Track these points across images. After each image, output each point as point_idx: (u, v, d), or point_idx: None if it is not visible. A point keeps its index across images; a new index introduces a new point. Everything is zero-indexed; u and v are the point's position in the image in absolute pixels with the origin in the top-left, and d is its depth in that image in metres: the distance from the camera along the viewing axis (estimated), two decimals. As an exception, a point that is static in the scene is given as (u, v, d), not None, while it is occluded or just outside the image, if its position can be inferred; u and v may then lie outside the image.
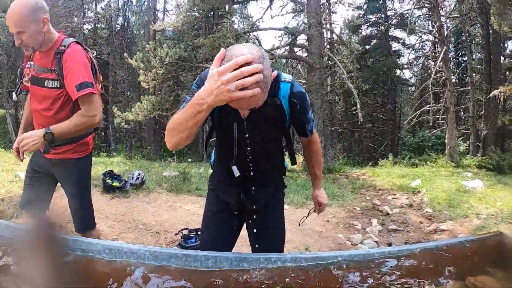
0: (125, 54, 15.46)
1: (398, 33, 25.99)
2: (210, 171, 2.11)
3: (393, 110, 25.67)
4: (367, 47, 24.50)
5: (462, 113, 21.74)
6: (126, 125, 16.80)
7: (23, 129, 2.59)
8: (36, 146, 2.08)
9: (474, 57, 21.66)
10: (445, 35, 16.31)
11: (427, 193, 8.62)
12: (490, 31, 16.80)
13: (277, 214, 2.03)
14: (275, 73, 1.39)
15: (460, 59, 23.89)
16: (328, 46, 19.61)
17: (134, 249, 1.36)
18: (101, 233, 4.40)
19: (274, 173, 1.98)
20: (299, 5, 15.97)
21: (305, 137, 1.93)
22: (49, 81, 2.22)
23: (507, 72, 18.62)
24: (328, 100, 19.83)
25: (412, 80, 28.67)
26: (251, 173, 1.82)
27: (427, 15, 21.68)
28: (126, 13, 28.61)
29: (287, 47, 15.25)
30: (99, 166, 8.13)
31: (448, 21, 20.60)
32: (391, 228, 6.43)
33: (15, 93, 2.46)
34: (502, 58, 18.69)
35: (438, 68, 15.82)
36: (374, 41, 25.63)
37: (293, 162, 2.02)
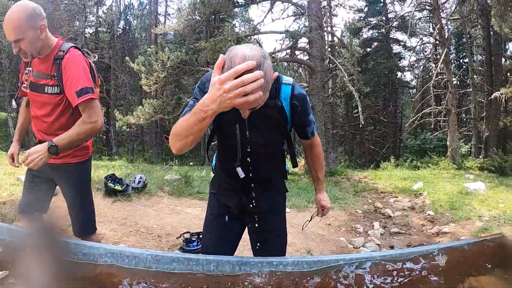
0: (127, 58, 15.49)
1: (399, 35, 26.04)
2: (212, 174, 2.12)
3: (395, 113, 25.64)
4: (368, 49, 24.49)
5: (463, 115, 21.70)
6: (128, 129, 16.84)
7: (19, 134, 2.58)
8: (43, 161, 2.05)
9: (475, 59, 21.64)
10: (446, 37, 16.30)
11: (429, 196, 8.60)
12: (491, 33, 16.79)
13: (279, 217, 2.03)
14: (276, 74, 1.40)
15: (461, 61, 23.89)
16: (329, 49, 19.62)
17: (136, 253, 1.36)
18: (102, 237, 4.40)
19: (276, 177, 1.98)
20: (300, 9, 15.98)
21: (306, 140, 1.94)
22: (49, 87, 2.21)
23: (508, 74, 18.63)
24: (330, 103, 19.84)
25: (414, 83, 28.63)
26: (253, 176, 1.82)
27: (428, 17, 21.65)
28: (128, 17, 28.73)
29: (288, 50, 15.22)
30: (101, 170, 8.13)
31: (449, 23, 20.63)
32: (393, 231, 6.42)
33: (14, 100, 2.46)
34: (503, 59, 18.69)
35: (439, 70, 15.80)
36: (375, 43, 25.62)
37: (294, 164, 2.03)
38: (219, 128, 1.76)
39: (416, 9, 17.70)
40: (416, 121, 17.64)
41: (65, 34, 19.84)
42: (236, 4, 14.94)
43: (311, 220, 2.28)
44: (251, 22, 26.57)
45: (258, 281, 1.30)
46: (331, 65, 17.12)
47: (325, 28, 17.34)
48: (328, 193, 2.23)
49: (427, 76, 23.88)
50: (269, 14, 16.07)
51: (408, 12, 19.53)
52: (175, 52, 13.67)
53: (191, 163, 15.97)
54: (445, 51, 15.09)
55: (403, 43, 25.68)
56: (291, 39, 14.61)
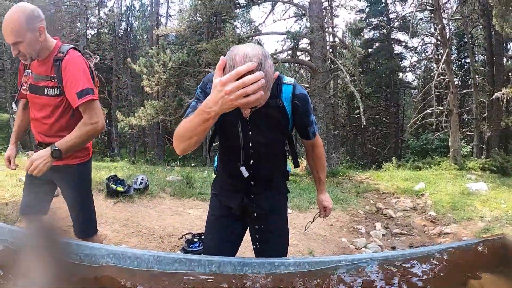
0: (128, 59, 15.54)
1: (400, 36, 25.97)
2: (214, 175, 2.12)
3: (396, 113, 25.63)
4: (370, 50, 24.46)
5: (465, 115, 21.69)
6: (130, 130, 16.85)
7: (15, 137, 2.57)
8: (47, 166, 2.04)
9: (476, 59, 21.62)
10: (447, 37, 16.31)
11: (431, 196, 8.59)
12: (493, 33, 16.79)
13: (280, 218, 2.03)
14: (277, 73, 1.41)
15: (463, 61, 23.84)
16: (331, 50, 19.62)
17: (138, 254, 1.36)
18: (104, 238, 4.41)
19: (277, 177, 1.98)
20: (301, 9, 15.98)
21: (308, 140, 1.94)
22: (49, 88, 2.20)
23: (510, 74, 18.60)
24: (331, 103, 19.82)
25: (415, 83, 28.61)
26: (254, 176, 1.82)
27: (429, 18, 21.70)
28: (129, 18, 28.77)
29: (290, 51, 15.23)
30: (102, 171, 8.15)
31: (450, 23, 20.61)
32: (395, 231, 6.41)
33: (14, 102, 2.46)
34: (505, 59, 18.66)
35: (440, 71, 15.80)
36: (377, 44, 25.61)
37: (296, 164, 2.03)
38: (221, 129, 1.76)
39: (417, 10, 17.73)
40: (417, 122, 17.64)
41: (67, 35, 19.91)
42: (238, 5, 14.95)
43: (313, 221, 2.28)
44: (253, 23, 26.54)
45: (259, 282, 1.30)
46: (332, 65, 17.10)
47: (327, 29, 17.34)
48: (330, 194, 2.23)
49: (428, 77, 23.85)
50: (271, 15, 16.08)
51: (409, 13, 19.56)
52: (177, 53, 13.70)
53: (193, 164, 15.99)
54: (446, 52, 15.08)
55: (404, 44, 25.67)
56: (292, 40, 14.63)
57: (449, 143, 15.33)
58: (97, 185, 6.33)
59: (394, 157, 17.74)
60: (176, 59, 13.31)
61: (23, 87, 2.31)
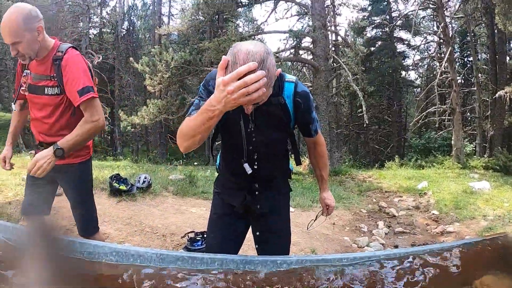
0: (131, 59, 15.52)
1: (403, 34, 25.93)
2: (216, 174, 2.12)
3: (399, 112, 25.57)
4: (372, 49, 24.46)
5: (468, 114, 21.63)
6: (132, 129, 16.89)
7: (12, 138, 2.57)
8: (51, 166, 2.06)
9: (479, 58, 21.56)
10: (450, 35, 16.24)
11: (434, 195, 8.57)
12: (495, 31, 16.73)
13: (282, 217, 2.04)
14: (279, 70, 1.42)
15: (466, 59, 23.77)
16: (333, 49, 19.58)
17: (141, 252, 1.37)
18: (107, 237, 4.42)
19: (280, 176, 1.98)
20: (303, 8, 15.96)
21: (310, 138, 1.95)
22: (49, 88, 2.21)
23: (513, 72, 18.53)
24: (334, 102, 19.78)
25: (418, 82, 28.54)
26: (257, 175, 1.83)
27: (432, 16, 21.61)
28: (132, 18, 28.74)
29: (292, 50, 15.20)
30: (105, 170, 8.16)
31: (453, 21, 20.54)
32: (397, 230, 6.41)
33: (13, 103, 2.46)
34: (508, 58, 18.59)
35: (443, 69, 15.74)
36: (379, 42, 25.57)
37: (298, 162, 2.04)
38: (223, 127, 1.77)
39: (420, 8, 17.65)
40: (420, 120, 17.60)
41: (69, 35, 19.92)
42: (240, 4, 14.94)
43: (316, 219, 2.28)
44: (255, 22, 26.47)
45: (262, 280, 1.30)
46: (335, 64, 17.07)
47: (329, 28, 17.30)
48: (333, 193, 2.23)
49: (431, 75, 23.77)
50: (273, 13, 16.09)
51: (412, 11, 19.50)
52: (179, 53, 13.69)
53: (195, 163, 16.02)
54: (449, 50, 15.04)
55: (407, 42, 25.64)
56: (294, 39, 14.59)
57: (452, 142, 15.30)
58: (100, 184, 6.35)
59: (396, 156, 17.71)
60: (179, 58, 13.31)
61: (22, 88, 2.31)
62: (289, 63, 20.98)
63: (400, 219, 7.18)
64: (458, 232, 6.01)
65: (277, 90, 1.64)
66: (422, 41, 23.83)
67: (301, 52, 15.91)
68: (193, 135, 1.42)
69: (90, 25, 23.98)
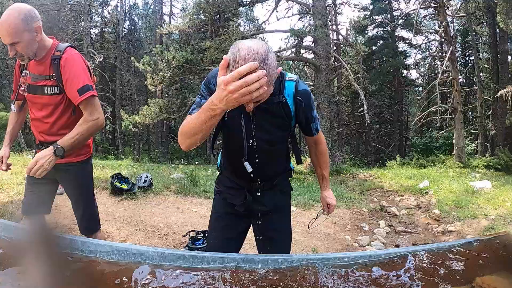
0: (132, 58, 15.55)
1: (404, 33, 25.93)
2: (217, 173, 2.13)
3: (400, 111, 25.56)
4: (374, 48, 24.42)
5: (469, 113, 21.60)
6: (134, 128, 16.91)
7: (9, 139, 2.54)
8: (51, 164, 2.06)
9: (481, 57, 21.53)
10: (451, 34, 16.22)
11: (435, 194, 8.56)
12: (497, 30, 16.70)
13: (283, 216, 2.04)
14: (280, 68, 1.42)
15: (467, 58, 23.76)
16: (335, 48, 19.60)
17: (142, 250, 1.37)
18: (108, 236, 4.43)
19: (280, 174, 1.98)
20: (305, 7, 15.94)
21: (311, 137, 1.95)
22: (48, 87, 2.21)
23: (515, 71, 18.49)
24: (335, 101, 19.79)
25: (419, 81, 28.56)
26: (258, 174, 1.83)
27: (433, 15, 21.55)
28: (133, 17, 28.81)
29: (294, 49, 15.21)
30: (107, 169, 8.17)
31: (454, 20, 20.52)
32: (398, 229, 6.40)
33: (13, 104, 2.46)
34: (509, 57, 18.54)
35: (445, 68, 15.72)
36: (381, 42, 25.57)
37: (299, 161, 2.04)
38: (224, 125, 1.77)
39: (421, 7, 17.61)
40: (422, 120, 17.58)
41: (71, 34, 19.94)
42: (241, 3, 14.95)
43: (317, 218, 2.28)
44: (256, 21, 26.52)
45: (262, 278, 1.30)
46: (336, 63, 17.09)
47: (330, 27, 17.31)
48: (334, 192, 2.23)
49: (433, 74, 23.79)
50: (274, 13, 16.01)
51: (413, 10, 19.42)
52: (180, 52, 13.71)
53: (197, 162, 16.02)
54: (450, 49, 15.01)
55: (408, 41, 25.63)
56: (296, 38, 14.60)
57: (454, 141, 15.27)
58: (102, 183, 6.36)
59: (398, 155, 17.72)
60: (180, 57, 13.32)
61: (21, 88, 2.31)
62: (290, 62, 20.98)
63: (401, 218, 7.17)
64: (460, 231, 6.00)
65: (278, 89, 1.65)
66: (423, 40, 23.90)
67: (302, 51, 15.91)
68: (194, 133, 1.43)
69: (91, 24, 24.03)
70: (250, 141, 1.73)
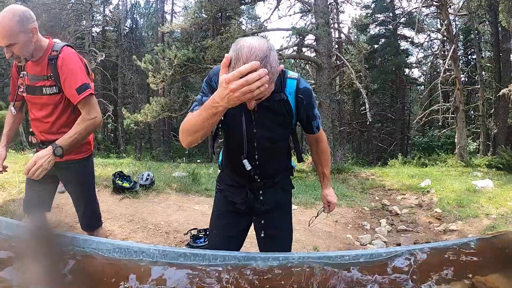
0: (134, 56, 15.57)
1: (406, 31, 25.90)
2: (219, 171, 2.13)
3: (402, 110, 25.55)
4: (376, 46, 24.41)
5: (471, 112, 21.58)
6: (136, 127, 16.92)
7: (6, 140, 2.54)
8: (51, 164, 2.06)
9: (483, 55, 21.48)
10: (453, 33, 16.20)
11: (437, 193, 8.55)
12: (499, 29, 16.67)
13: (285, 214, 2.04)
14: (281, 66, 1.42)
15: (469, 57, 23.69)
16: (336, 46, 19.58)
17: (143, 248, 1.37)
18: (110, 234, 4.44)
19: (281, 172, 1.98)
20: (306, 5, 15.94)
21: (312, 135, 1.95)
22: (47, 87, 2.22)
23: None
24: (337, 100, 19.77)
25: (421, 79, 28.53)
26: (258, 172, 1.83)
27: (436, 13, 21.49)
28: (134, 16, 28.85)
29: (295, 48, 15.22)
30: (109, 167, 8.19)
31: (456, 19, 20.49)
32: (400, 228, 6.40)
33: (12, 106, 2.46)
34: (512, 56, 18.54)
35: (447, 67, 15.69)
36: (383, 40, 25.55)
37: (299, 159, 2.03)
38: (225, 123, 1.77)
39: (423, 5, 17.58)
40: (424, 118, 17.57)
41: (72, 33, 19.96)
42: (243, 1, 14.97)
43: (317, 216, 2.28)
44: (258, 20, 26.50)
45: (263, 276, 1.31)
46: (338, 62, 17.08)
47: (332, 25, 17.31)
48: (335, 190, 2.24)
49: (435, 73, 23.75)
50: (276, 11, 16.03)
51: (415, 8, 19.38)
52: (182, 50, 13.70)
53: (198, 160, 16.04)
54: (452, 48, 14.98)
55: (410, 40, 25.58)
56: (298, 36, 14.61)
57: (455, 140, 15.25)
58: (103, 181, 6.37)
59: (400, 154, 17.73)
60: (182, 55, 13.32)
61: (20, 89, 2.31)
62: (292, 61, 20.97)
63: (402, 217, 7.16)
64: (461, 230, 6.00)
65: (280, 87, 1.65)
66: (425, 38, 23.85)
67: (304, 49, 15.93)
68: (196, 131, 1.44)
69: (93, 23, 24.04)
70: (250, 138, 1.74)
